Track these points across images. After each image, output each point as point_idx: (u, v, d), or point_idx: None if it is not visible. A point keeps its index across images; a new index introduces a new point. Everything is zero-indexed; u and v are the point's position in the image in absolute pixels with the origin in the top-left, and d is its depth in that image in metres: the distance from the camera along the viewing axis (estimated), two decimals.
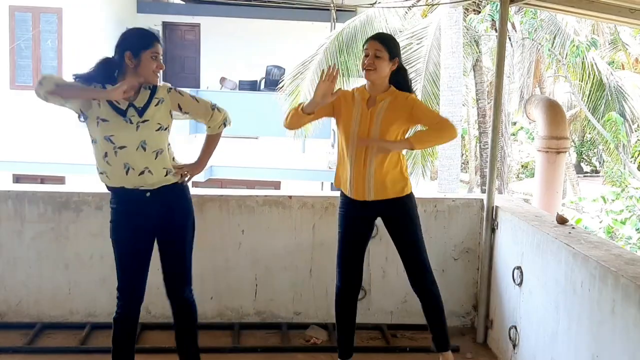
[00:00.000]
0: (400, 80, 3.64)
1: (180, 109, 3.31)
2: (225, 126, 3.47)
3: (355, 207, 3.68)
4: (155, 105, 3.23)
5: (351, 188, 3.63)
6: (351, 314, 3.81)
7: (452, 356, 3.82)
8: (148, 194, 3.25)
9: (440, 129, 3.56)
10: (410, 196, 3.69)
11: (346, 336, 3.82)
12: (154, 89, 3.26)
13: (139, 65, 3.18)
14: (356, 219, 3.71)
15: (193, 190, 3.70)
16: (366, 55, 3.58)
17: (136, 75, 3.19)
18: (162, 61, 3.28)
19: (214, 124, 3.43)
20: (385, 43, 3.58)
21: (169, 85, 3.38)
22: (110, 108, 3.18)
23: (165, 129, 3.27)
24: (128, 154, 3.19)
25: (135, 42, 3.23)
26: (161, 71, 3.27)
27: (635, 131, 14.52)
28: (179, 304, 3.45)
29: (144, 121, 3.19)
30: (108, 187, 3.31)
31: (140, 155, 3.20)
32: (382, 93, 3.60)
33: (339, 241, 3.75)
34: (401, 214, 3.67)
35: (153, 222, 3.31)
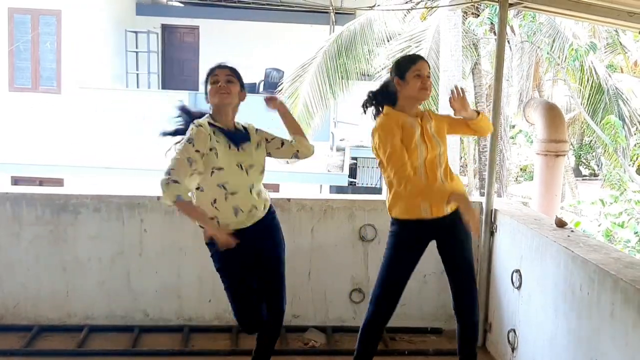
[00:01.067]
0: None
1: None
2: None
3: (418, 229, 3.47)
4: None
5: (428, 208, 3.39)
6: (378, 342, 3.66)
7: None
8: None
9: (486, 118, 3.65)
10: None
11: None
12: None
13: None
14: (418, 240, 3.51)
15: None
16: (426, 76, 3.39)
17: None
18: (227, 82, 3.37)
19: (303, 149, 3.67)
20: (427, 64, 3.48)
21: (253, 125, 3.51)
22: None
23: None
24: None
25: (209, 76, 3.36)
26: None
27: (635, 134, 14.52)
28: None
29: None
30: None
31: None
32: (418, 111, 3.48)
33: (390, 265, 3.50)
34: (462, 227, 3.35)
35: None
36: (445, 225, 3.46)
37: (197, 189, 3.27)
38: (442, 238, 3.54)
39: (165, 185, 3.05)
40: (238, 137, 3.33)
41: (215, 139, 3.23)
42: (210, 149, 3.19)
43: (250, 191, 3.31)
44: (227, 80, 3.32)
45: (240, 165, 3.28)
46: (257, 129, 3.47)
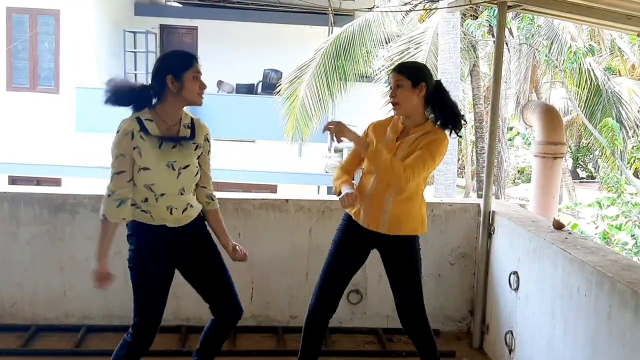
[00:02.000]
0: (438, 104, 3.39)
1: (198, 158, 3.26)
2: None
3: (360, 229, 3.49)
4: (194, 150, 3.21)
5: (364, 217, 3.44)
6: (320, 339, 3.68)
7: None
8: None
9: (395, 167, 3.20)
10: (417, 238, 3.50)
11: None
12: (193, 129, 3.21)
13: (182, 88, 3.08)
14: (357, 239, 3.52)
15: None
16: (390, 88, 3.39)
17: (180, 98, 3.11)
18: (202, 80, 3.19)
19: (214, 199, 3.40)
20: (404, 71, 3.37)
21: (207, 130, 3.30)
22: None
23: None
24: None
25: (175, 64, 3.11)
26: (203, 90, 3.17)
27: (633, 136, 14.54)
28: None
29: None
30: None
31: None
32: (416, 127, 3.38)
33: (330, 256, 3.56)
34: (406, 255, 3.45)
35: None
36: (381, 241, 3.47)
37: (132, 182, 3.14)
38: (382, 253, 3.55)
39: (110, 204, 3.07)
40: (175, 136, 3.14)
41: (140, 136, 3.06)
42: (134, 148, 3.06)
43: (181, 194, 3.17)
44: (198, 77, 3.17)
45: (172, 165, 3.10)
46: (207, 137, 3.27)
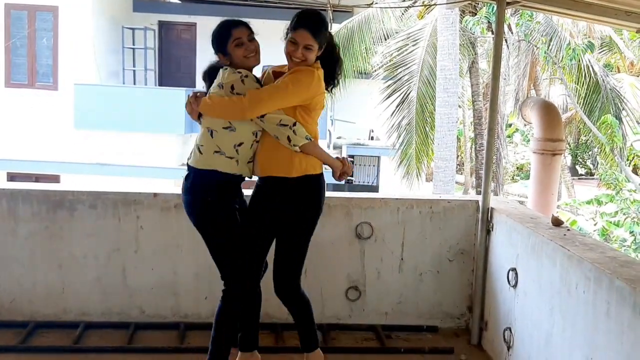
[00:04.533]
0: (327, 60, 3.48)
1: None
2: None
3: (261, 191, 3.56)
4: None
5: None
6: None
7: (320, 354, 3.76)
8: None
9: (233, 100, 3.30)
10: (304, 180, 3.44)
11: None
12: None
13: (231, 59, 3.36)
14: (263, 204, 3.55)
15: None
16: (292, 43, 3.35)
17: (237, 67, 3.35)
18: (250, 41, 3.39)
19: None
20: (318, 36, 3.35)
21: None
22: None
23: None
24: None
25: (216, 40, 3.40)
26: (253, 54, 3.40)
27: (635, 134, 14.55)
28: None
29: None
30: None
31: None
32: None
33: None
34: (286, 199, 3.45)
35: None
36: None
37: (227, 128, 3.33)
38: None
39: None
40: None
41: None
42: None
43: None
44: (250, 39, 3.40)
45: None
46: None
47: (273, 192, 3.47)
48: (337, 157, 3.59)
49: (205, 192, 3.41)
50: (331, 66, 3.51)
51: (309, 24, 3.35)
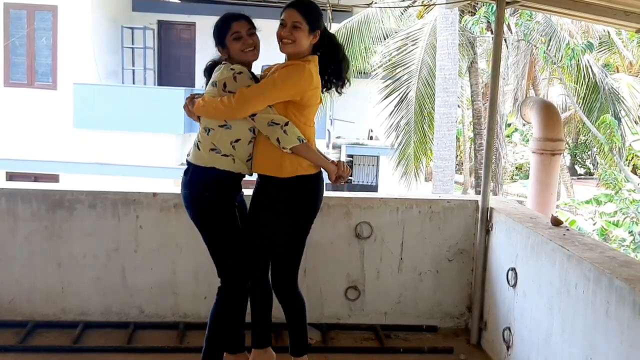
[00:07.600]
0: (325, 51, 3.42)
1: None
2: None
3: (258, 188, 3.56)
4: None
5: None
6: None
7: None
8: None
9: (222, 101, 3.27)
10: (296, 181, 3.38)
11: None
12: None
13: (229, 52, 3.37)
14: (259, 201, 3.53)
15: None
16: (282, 25, 3.31)
17: (235, 60, 3.37)
18: (249, 35, 3.40)
19: None
20: (305, 14, 3.29)
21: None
22: None
23: None
24: None
25: (217, 33, 3.41)
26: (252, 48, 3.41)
27: (634, 134, 14.56)
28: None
29: None
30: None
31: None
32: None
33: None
34: (278, 198, 3.40)
35: None
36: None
37: (223, 125, 3.34)
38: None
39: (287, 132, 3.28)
40: None
41: None
42: None
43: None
44: (250, 34, 3.41)
45: None
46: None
47: (266, 190, 3.46)
48: (333, 161, 3.51)
49: (203, 187, 3.41)
50: (337, 65, 3.47)
51: (297, 4, 3.32)
